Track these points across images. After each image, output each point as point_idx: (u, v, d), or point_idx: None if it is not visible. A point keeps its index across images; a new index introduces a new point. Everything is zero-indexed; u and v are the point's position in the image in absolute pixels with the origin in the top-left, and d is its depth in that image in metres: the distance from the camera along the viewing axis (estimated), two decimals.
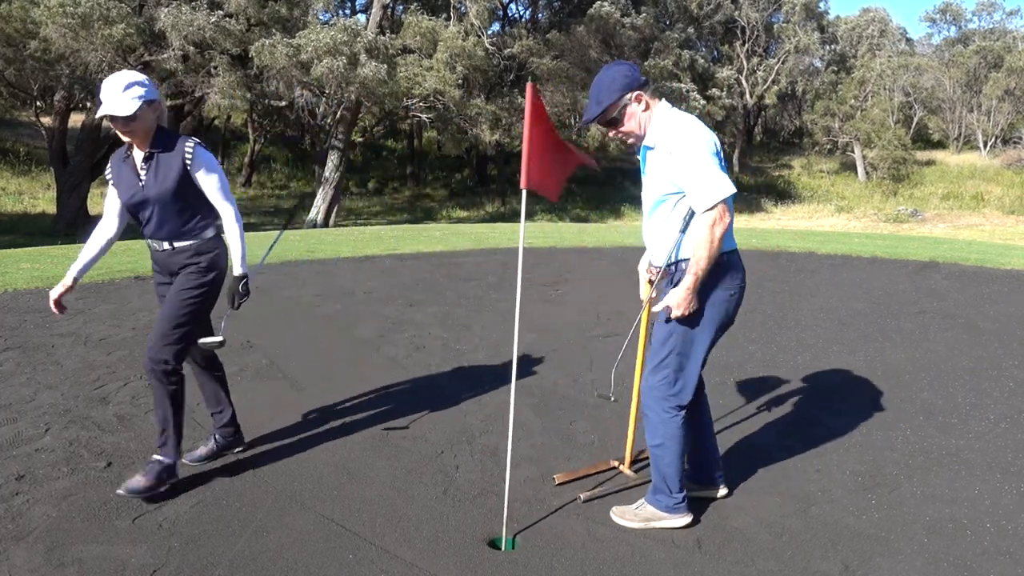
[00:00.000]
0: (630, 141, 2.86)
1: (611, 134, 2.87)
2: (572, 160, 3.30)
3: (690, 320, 2.79)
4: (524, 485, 3.33)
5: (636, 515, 3.01)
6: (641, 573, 2.71)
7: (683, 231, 2.77)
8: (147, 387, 4.39)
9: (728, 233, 2.74)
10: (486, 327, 5.95)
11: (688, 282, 2.68)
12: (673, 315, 2.73)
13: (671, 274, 2.86)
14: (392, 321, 6.04)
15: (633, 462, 3.48)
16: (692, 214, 2.71)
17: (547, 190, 3.16)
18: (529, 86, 2.85)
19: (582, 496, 3.20)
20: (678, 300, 2.71)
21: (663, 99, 2.81)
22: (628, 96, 2.75)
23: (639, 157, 2.90)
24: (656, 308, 2.83)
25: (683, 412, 2.89)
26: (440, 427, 3.94)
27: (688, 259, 2.73)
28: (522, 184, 2.89)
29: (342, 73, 16.91)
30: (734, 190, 2.64)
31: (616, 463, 3.51)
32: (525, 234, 3.13)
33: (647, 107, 2.76)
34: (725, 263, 2.77)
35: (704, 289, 2.74)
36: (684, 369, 2.86)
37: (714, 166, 2.61)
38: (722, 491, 3.23)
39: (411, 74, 19.70)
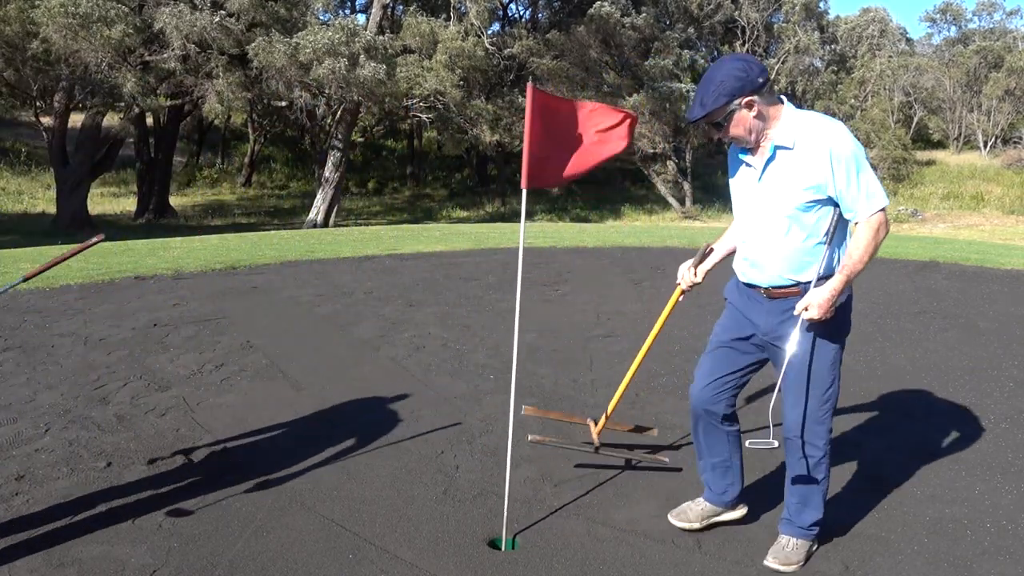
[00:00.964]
0: (732, 143, 2.64)
1: (715, 136, 2.60)
2: (603, 151, 3.08)
3: (837, 336, 2.65)
4: (524, 485, 3.33)
5: (796, 555, 2.77)
6: (641, 573, 2.71)
7: (830, 244, 2.55)
8: (146, 387, 4.39)
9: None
10: (486, 327, 5.94)
11: (836, 283, 2.47)
12: (809, 316, 2.50)
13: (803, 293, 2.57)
14: (392, 321, 6.04)
15: (601, 433, 3.39)
16: (837, 225, 2.52)
17: (554, 179, 3.09)
18: (529, 87, 2.85)
19: (529, 437, 3.33)
20: (820, 301, 2.47)
21: (785, 100, 2.54)
22: (737, 102, 2.45)
23: (740, 158, 2.64)
24: (797, 310, 2.54)
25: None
26: (440, 427, 3.94)
27: (825, 277, 2.54)
28: (523, 184, 2.89)
29: (342, 75, 16.91)
30: (889, 200, 2.51)
31: (590, 422, 3.44)
32: (525, 234, 3.08)
33: (759, 113, 2.47)
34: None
35: (847, 308, 2.63)
36: (837, 394, 2.74)
37: (873, 173, 2.46)
38: (742, 510, 3.03)
39: (411, 74, 19.70)
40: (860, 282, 8.39)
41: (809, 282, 2.54)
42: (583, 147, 3.06)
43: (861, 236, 2.46)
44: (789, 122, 2.49)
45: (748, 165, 2.63)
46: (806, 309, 2.51)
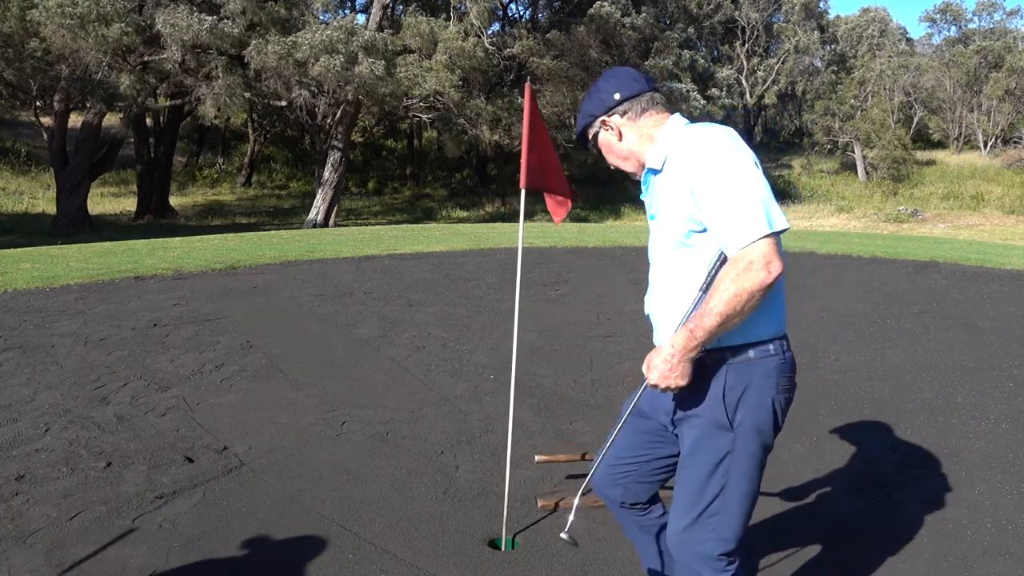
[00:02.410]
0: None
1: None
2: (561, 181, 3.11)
3: (722, 429, 1.92)
4: (524, 485, 3.33)
5: None
6: (641, 573, 2.71)
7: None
8: (146, 387, 4.39)
9: (777, 303, 1.92)
10: (486, 327, 5.94)
11: (679, 340, 1.82)
12: (649, 382, 1.92)
13: (700, 368, 1.89)
14: (392, 321, 6.04)
15: None
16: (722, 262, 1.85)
17: (555, 207, 3.13)
18: (527, 87, 2.84)
19: (537, 458, 3.31)
20: (656, 361, 1.87)
21: (674, 116, 2.04)
22: (598, 123, 2.06)
23: (642, 187, 2.11)
24: (651, 380, 1.91)
25: (736, 562, 2.02)
26: (440, 427, 3.94)
27: (731, 346, 1.88)
28: (521, 184, 2.89)
29: (339, 72, 16.89)
30: (785, 224, 1.76)
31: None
32: (525, 234, 3.08)
33: (622, 135, 2.03)
34: (782, 356, 1.94)
35: (756, 393, 1.91)
36: (734, 512, 1.96)
37: (757, 190, 1.76)
38: None
39: (411, 74, 19.70)
40: (860, 282, 8.40)
41: (718, 348, 1.89)
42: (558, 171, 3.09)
43: (721, 276, 1.77)
44: (665, 139, 1.98)
45: (641, 198, 2.12)
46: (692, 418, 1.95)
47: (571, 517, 2.11)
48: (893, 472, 3.55)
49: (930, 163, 33.58)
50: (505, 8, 30.25)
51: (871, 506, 3.23)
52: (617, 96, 2.03)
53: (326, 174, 21.46)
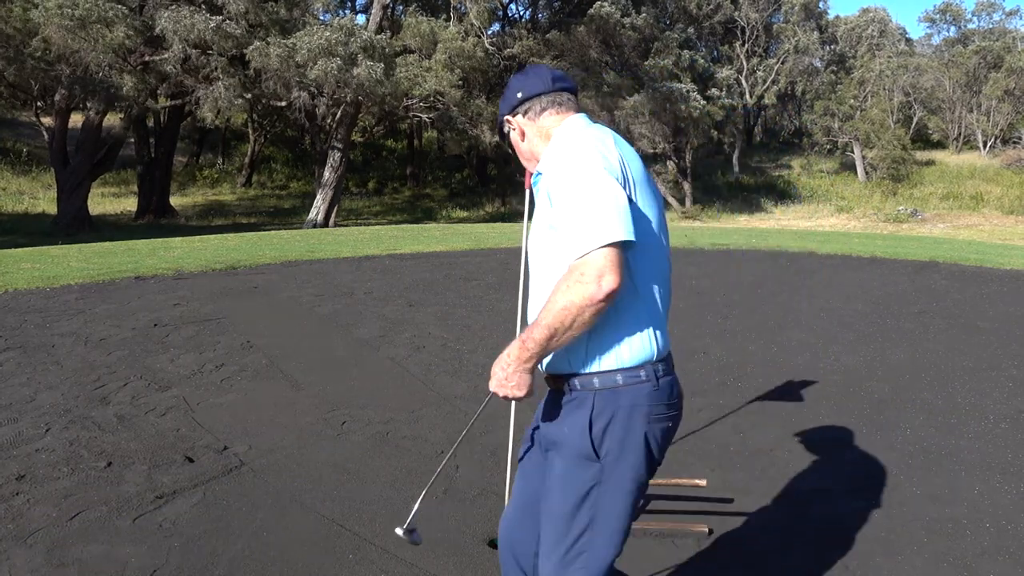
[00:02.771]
0: None
1: None
2: None
3: (585, 459, 1.78)
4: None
5: None
6: (641, 572, 2.71)
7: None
8: (147, 387, 4.40)
9: (647, 322, 1.76)
10: (486, 327, 5.94)
11: (513, 348, 1.74)
12: (491, 388, 1.83)
13: (569, 393, 1.83)
14: (392, 321, 6.04)
15: None
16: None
17: None
18: None
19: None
20: (496, 368, 1.79)
21: (574, 116, 1.92)
22: (506, 121, 1.99)
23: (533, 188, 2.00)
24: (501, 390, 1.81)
25: None
26: (440, 427, 3.94)
27: (599, 371, 1.77)
28: (527, 184, 2.89)
29: (336, 74, 16.90)
30: (626, 236, 1.62)
31: None
32: (526, 234, 3.07)
33: (523, 134, 1.96)
34: (655, 382, 1.77)
35: (624, 422, 1.76)
36: (600, 551, 1.82)
37: (601, 197, 1.65)
38: None
39: (411, 75, 19.70)
40: (860, 282, 8.41)
41: (585, 372, 1.78)
42: None
43: (555, 286, 1.67)
44: (554, 141, 1.91)
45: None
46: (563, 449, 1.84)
47: (414, 508, 2.00)
48: (893, 472, 3.55)
49: (929, 163, 33.59)
50: (505, 8, 30.25)
51: (871, 506, 3.23)
52: (519, 95, 1.95)
53: (326, 174, 21.47)
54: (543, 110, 1.94)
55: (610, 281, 1.60)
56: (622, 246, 1.63)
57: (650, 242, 1.78)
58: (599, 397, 1.77)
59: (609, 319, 1.71)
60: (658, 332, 1.79)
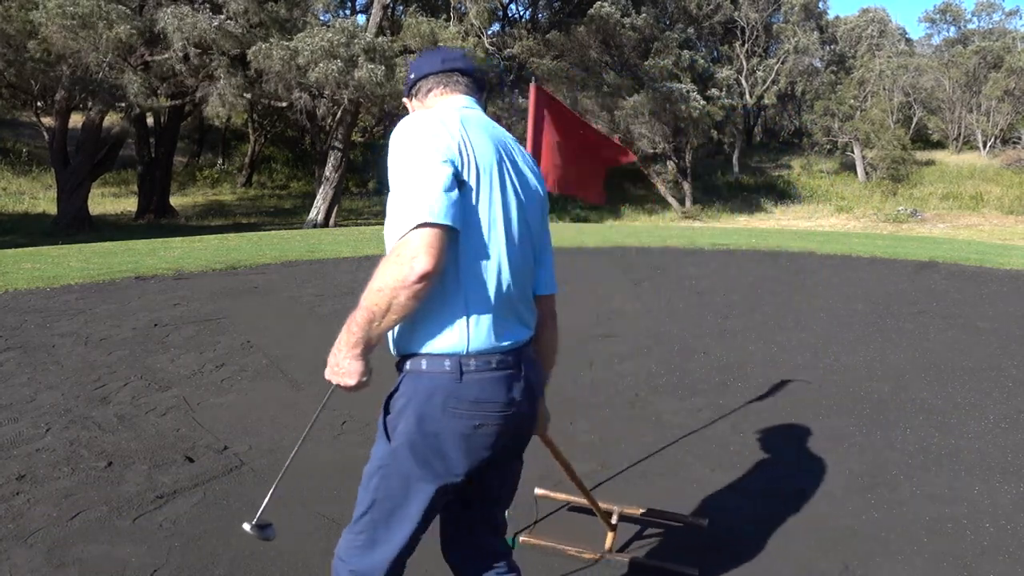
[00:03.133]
0: None
1: None
2: (603, 157, 3.07)
3: (384, 438, 1.77)
4: (524, 485, 3.32)
5: None
6: (641, 571, 2.71)
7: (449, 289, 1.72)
8: (147, 387, 4.40)
9: (464, 310, 1.68)
10: None
11: (343, 336, 1.68)
12: (326, 376, 1.75)
13: (401, 375, 1.79)
14: None
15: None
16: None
17: (583, 191, 3.09)
18: (532, 86, 2.84)
19: (537, 490, 3.12)
20: (328, 358, 1.74)
21: (455, 98, 1.89)
22: (404, 104, 2.00)
23: None
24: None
25: None
26: None
27: (410, 353, 1.75)
28: None
29: (337, 76, 16.90)
30: (442, 220, 1.57)
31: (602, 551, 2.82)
32: None
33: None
34: (459, 376, 1.68)
35: (416, 409, 1.72)
36: (379, 540, 1.82)
37: (423, 180, 1.62)
38: None
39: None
40: (860, 282, 8.41)
41: (402, 354, 1.79)
42: (585, 163, 3.06)
43: (379, 267, 1.63)
44: (401, 122, 1.87)
45: None
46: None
47: (264, 503, 1.94)
48: (893, 472, 3.56)
49: (929, 163, 33.60)
50: (505, 8, 30.26)
51: (871, 506, 3.23)
52: (412, 76, 1.95)
53: (326, 174, 21.47)
54: (430, 90, 1.91)
55: (422, 263, 1.54)
56: (443, 230, 1.57)
57: (489, 232, 1.69)
58: (405, 380, 1.76)
59: (428, 305, 1.65)
60: (479, 325, 1.69)
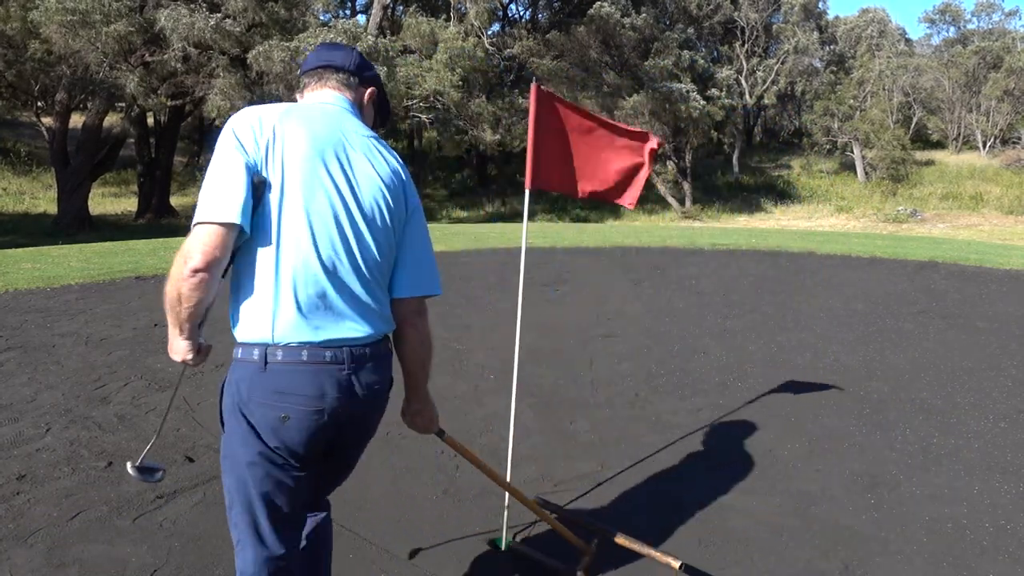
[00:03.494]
0: None
1: None
2: (629, 158, 2.97)
3: (230, 445, 1.82)
4: (524, 485, 3.33)
5: None
6: (641, 571, 2.71)
7: (235, 282, 1.78)
8: (147, 387, 4.40)
9: (272, 300, 1.71)
10: (486, 327, 5.95)
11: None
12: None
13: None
14: None
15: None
16: (236, 253, 1.74)
17: (565, 187, 3.02)
18: (533, 87, 2.84)
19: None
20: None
21: (333, 90, 1.93)
22: None
23: None
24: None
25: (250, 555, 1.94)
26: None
27: (235, 343, 1.83)
28: (527, 185, 2.89)
29: None
30: (222, 218, 1.62)
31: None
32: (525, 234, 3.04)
33: None
34: (263, 367, 1.75)
35: (230, 395, 1.83)
36: (243, 540, 1.95)
37: (216, 177, 1.66)
38: None
39: (411, 75, 19.71)
40: (860, 282, 8.41)
41: (236, 341, 1.84)
42: (603, 164, 3.00)
43: None
44: None
45: None
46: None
47: (147, 448, 2.05)
48: (893, 472, 3.56)
49: (929, 163, 33.60)
50: (505, 8, 30.27)
51: (871, 506, 3.23)
52: (299, 73, 2.02)
53: None
54: (306, 86, 1.97)
55: (194, 260, 1.61)
56: (222, 227, 1.62)
57: (294, 226, 1.70)
58: (231, 366, 1.83)
59: (240, 295, 1.74)
60: (285, 317, 1.71)
